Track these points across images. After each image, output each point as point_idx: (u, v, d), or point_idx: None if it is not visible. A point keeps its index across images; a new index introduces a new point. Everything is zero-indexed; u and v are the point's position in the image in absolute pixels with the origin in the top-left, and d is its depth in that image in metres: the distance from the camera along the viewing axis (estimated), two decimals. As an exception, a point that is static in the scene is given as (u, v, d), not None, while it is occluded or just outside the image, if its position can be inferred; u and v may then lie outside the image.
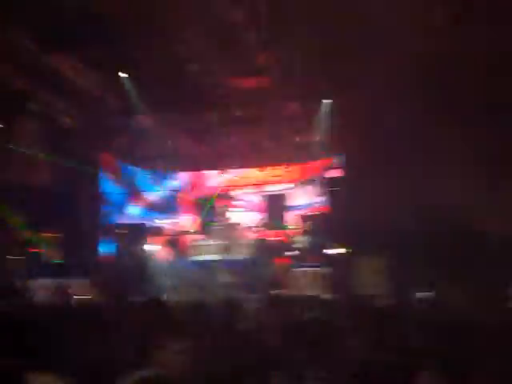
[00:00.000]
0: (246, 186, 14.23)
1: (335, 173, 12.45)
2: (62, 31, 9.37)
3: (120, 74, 11.29)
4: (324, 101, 12.16)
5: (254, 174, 14.17)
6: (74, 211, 12.20)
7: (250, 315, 4.83)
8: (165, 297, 9.58)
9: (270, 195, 13.84)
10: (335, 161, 12.70)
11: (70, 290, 9.46)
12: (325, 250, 10.44)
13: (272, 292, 7.93)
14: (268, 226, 12.81)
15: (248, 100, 12.14)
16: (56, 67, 10.77)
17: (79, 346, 2.67)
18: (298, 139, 13.19)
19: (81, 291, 9.54)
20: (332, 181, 12.12)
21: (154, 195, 14.34)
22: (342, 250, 10.40)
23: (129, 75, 11.44)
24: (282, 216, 13.30)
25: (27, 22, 9.19)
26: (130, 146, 13.66)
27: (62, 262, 11.06)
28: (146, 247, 12.37)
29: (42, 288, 9.82)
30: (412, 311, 5.41)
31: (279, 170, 13.99)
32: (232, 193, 13.83)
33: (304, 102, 12.16)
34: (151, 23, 9.48)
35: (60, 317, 3.81)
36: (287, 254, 10.77)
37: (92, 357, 2.53)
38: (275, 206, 13.47)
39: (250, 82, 11.81)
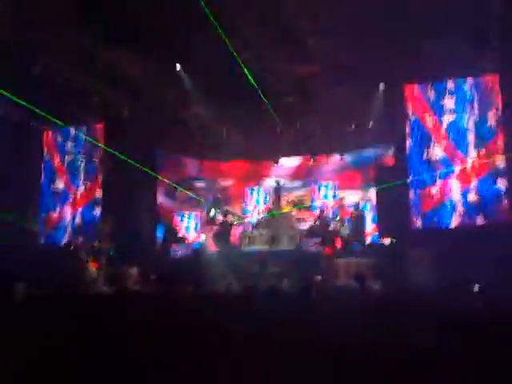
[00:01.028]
0: (296, 175, 14.07)
1: (388, 162, 12.03)
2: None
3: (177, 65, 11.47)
4: (380, 84, 11.73)
5: (304, 163, 13.96)
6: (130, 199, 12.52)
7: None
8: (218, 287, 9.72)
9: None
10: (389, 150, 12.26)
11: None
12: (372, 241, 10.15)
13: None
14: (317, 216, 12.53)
15: (302, 86, 11.93)
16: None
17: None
18: (352, 127, 12.78)
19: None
20: (385, 170, 11.69)
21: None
22: (389, 241, 10.08)
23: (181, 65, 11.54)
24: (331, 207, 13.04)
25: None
26: (186, 138, 13.81)
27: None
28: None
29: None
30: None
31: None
32: (283, 183, 13.66)
33: (358, 87, 11.76)
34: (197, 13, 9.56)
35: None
36: (335, 243, 10.55)
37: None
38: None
39: (301, 69, 11.62)
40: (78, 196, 12.92)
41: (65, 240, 12.52)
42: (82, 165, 13.06)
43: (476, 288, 6.26)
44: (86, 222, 12.70)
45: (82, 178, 12.99)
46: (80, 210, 12.84)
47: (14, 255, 9.38)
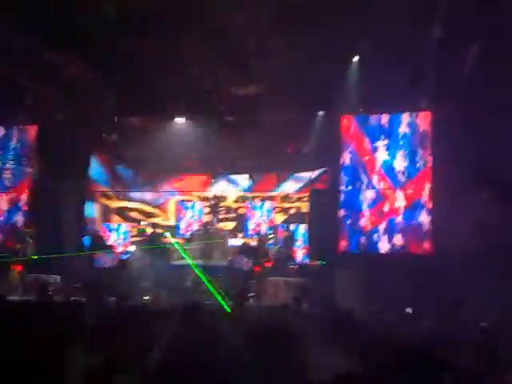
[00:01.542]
0: (233, 193, 14.18)
1: (322, 185, 12.40)
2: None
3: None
4: (319, 112, 12.15)
5: (243, 181, 14.10)
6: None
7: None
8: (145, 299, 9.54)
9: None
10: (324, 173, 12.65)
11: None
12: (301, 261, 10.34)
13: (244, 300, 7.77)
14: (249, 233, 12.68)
15: (242, 107, 12.13)
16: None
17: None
18: (289, 149, 13.11)
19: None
20: (319, 192, 12.02)
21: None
22: (318, 262, 10.35)
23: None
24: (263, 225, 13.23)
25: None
26: (123, 147, 13.60)
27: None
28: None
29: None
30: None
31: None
32: (219, 199, 13.72)
33: (298, 113, 12.12)
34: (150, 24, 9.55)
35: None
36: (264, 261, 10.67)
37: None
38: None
39: (246, 89, 11.84)
40: (3, 199, 12.33)
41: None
42: (10, 167, 12.50)
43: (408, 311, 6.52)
44: (7, 226, 12.10)
45: (9, 181, 12.42)
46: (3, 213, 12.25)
47: None
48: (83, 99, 11.97)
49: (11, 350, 2.10)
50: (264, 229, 13.01)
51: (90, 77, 11.46)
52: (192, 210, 14.18)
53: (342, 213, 10.75)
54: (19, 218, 12.10)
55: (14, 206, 12.23)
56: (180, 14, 9.39)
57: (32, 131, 12.51)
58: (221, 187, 14.18)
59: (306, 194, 12.82)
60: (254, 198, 14.06)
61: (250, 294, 9.16)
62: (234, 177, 14.17)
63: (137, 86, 11.40)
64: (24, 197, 12.22)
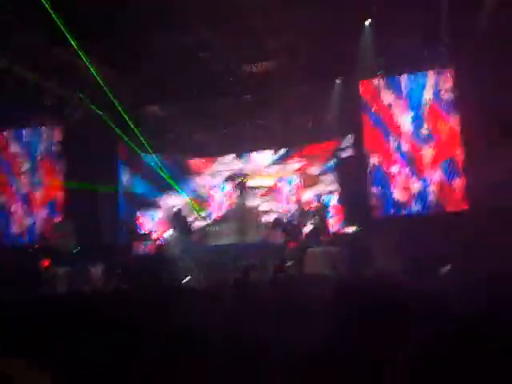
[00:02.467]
0: (259, 170, 14.32)
1: (347, 152, 12.44)
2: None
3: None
4: (337, 80, 12.14)
5: (268, 157, 14.23)
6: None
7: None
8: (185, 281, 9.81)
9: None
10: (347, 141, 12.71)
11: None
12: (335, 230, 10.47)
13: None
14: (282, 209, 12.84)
15: (259, 84, 12.18)
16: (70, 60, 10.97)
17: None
18: (311, 121, 13.16)
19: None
20: (344, 160, 12.09)
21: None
22: (353, 229, 10.47)
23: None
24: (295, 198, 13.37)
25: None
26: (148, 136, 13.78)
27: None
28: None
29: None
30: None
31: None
32: (247, 177, 13.85)
33: (315, 84, 12.13)
34: (159, 11, 9.61)
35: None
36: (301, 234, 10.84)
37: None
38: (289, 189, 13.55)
39: (259, 67, 11.87)
40: (37, 197, 12.70)
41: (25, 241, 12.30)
42: (40, 166, 12.85)
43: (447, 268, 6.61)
44: (45, 222, 12.49)
45: (41, 179, 12.78)
46: (40, 211, 12.63)
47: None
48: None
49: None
50: (295, 202, 13.13)
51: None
52: (222, 190, 14.43)
53: (371, 178, 10.85)
54: (56, 215, 12.48)
55: (49, 203, 12.62)
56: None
57: (57, 131, 12.81)
58: (247, 165, 14.29)
59: (333, 164, 12.90)
60: (281, 172, 14.17)
61: (287, 264, 9.38)
62: (258, 154, 14.27)
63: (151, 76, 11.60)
64: (58, 194, 12.59)
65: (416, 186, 10.57)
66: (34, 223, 12.67)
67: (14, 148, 13.05)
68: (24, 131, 13.02)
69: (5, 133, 13.09)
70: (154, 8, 9.41)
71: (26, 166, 12.95)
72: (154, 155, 13.53)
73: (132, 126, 12.40)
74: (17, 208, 12.77)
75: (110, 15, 9.60)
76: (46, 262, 10.53)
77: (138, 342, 2.25)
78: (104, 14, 9.54)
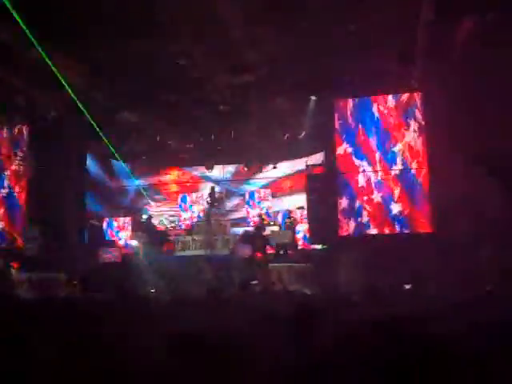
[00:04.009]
0: (230, 183, 14.30)
1: (318, 169, 12.53)
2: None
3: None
4: (312, 97, 12.22)
5: (240, 170, 14.21)
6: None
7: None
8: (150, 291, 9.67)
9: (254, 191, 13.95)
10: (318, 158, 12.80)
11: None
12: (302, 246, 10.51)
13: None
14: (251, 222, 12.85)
15: (235, 96, 12.18)
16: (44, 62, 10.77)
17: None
18: (286, 136, 13.22)
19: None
20: (314, 177, 12.14)
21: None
22: (320, 247, 10.53)
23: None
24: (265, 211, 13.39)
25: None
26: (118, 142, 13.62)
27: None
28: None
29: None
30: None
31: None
32: (218, 189, 13.82)
33: (291, 99, 12.19)
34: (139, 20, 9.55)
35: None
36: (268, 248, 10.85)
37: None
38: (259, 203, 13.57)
39: (237, 78, 11.87)
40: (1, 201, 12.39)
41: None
42: (5, 168, 12.54)
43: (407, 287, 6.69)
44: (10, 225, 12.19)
45: (5, 180, 12.46)
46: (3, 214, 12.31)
47: None
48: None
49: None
50: (264, 216, 13.13)
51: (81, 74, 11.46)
52: (191, 201, 14.31)
53: (339, 196, 10.93)
54: (18, 215, 12.18)
55: (13, 206, 12.31)
56: (168, 9, 9.40)
57: (25, 130, 12.52)
58: (218, 177, 14.26)
59: (303, 180, 12.96)
60: (252, 186, 14.18)
61: (252, 282, 9.34)
62: (230, 166, 14.24)
63: (127, 81, 11.47)
64: (22, 194, 12.29)
65: (383, 206, 10.69)
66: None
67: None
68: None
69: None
70: (135, 14, 9.34)
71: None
72: (123, 162, 13.40)
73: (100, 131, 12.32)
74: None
75: (88, 17, 9.48)
76: (16, 265, 10.32)
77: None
78: (82, 16, 9.43)
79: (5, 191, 12.43)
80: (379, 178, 10.82)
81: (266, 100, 12.05)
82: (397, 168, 10.74)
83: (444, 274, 7.03)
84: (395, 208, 10.55)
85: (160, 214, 14.09)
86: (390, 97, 11.03)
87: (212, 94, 12.16)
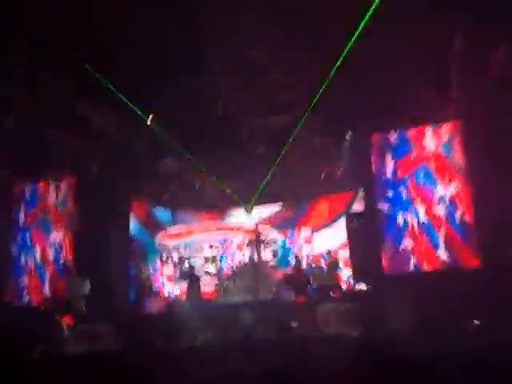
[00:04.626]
0: (270, 223, 14.17)
1: (358, 206, 12.23)
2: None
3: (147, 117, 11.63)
4: (348, 133, 12.08)
5: (278, 210, 14.07)
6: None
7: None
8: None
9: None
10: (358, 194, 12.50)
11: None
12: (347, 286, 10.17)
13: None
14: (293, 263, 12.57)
15: (272, 137, 12.20)
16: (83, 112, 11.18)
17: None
18: (323, 174, 13.05)
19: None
20: (355, 214, 11.86)
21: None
22: (365, 286, 10.13)
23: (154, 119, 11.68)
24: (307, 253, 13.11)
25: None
26: (159, 189, 13.84)
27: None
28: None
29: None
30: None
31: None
32: (260, 232, 13.70)
33: (328, 136, 12.09)
34: (176, 64, 9.81)
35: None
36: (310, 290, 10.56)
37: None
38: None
39: (273, 120, 11.92)
40: (48, 252, 12.66)
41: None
42: (51, 221, 12.87)
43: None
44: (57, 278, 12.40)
45: (52, 234, 12.76)
46: (50, 265, 12.57)
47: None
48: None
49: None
50: (306, 257, 12.89)
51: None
52: (232, 245, 14.26)
53: (382, 233, 10.56)
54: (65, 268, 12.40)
55: (61, 260, 12.56)
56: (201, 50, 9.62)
57: (70, 183, 12.87)
58: (257, 219, 14.19)
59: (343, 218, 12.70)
60: (290, 226, 14.00)
61: (292, 325, 9.10)
62: (269, 207, 14.16)
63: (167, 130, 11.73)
64: (69, 247, 12.52)
65: (429, 243, 10.23)
66: (44, 280, 12.53)
67: (29, 201, 13.12)
68: (37, 184, 13.08)
69: (19, 186, 13.17)
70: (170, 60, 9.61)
71: (38, 219, 12.96)
72: (165, 208, 13.55)
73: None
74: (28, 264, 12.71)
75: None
76: (69, 320, 10.43)
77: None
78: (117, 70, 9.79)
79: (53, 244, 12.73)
80: (422, 211, 10.42)
81: (303, 138, 11.97)
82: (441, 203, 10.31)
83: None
84: (441, 244, 10.08)
85: (202, 259, 14.03)
86: (429, 127, 10.71)
87: (249, 138, 12.23)
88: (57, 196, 12.89)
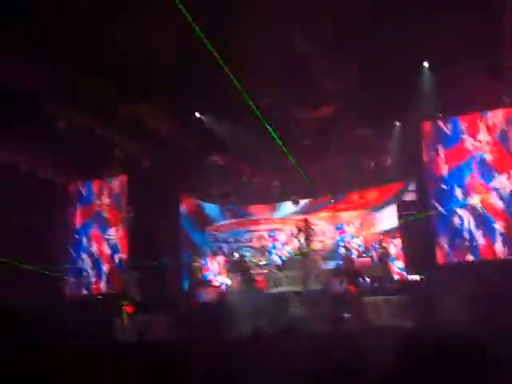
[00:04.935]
0: (318, 215, 14.15)
1: (409, 196, 12.03)
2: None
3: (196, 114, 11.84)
4: (397, 123, 11.91)
5: (327, 202, 14.05)
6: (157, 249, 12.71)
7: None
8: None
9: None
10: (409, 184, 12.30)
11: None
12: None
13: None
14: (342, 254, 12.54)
15: (318, 128, 12.16)
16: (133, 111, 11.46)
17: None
18: (372, 164, 12.93)
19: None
20: (406, 204, 11.67)
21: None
22: (417, 276, 9.98)
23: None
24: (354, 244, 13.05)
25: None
26: (208, 184, 14.09)
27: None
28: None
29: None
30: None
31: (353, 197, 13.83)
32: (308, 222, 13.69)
33: (376, 127, 11.95)
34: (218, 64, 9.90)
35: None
36: (362, 281, 10.50)
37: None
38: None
39: (319, 111, 11.87)
40: (104, 247, 13.13)
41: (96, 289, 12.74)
42: (107, 217, 13.31)
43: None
44: (113, 271, 12.86)
45: (108, 229, 13.22)
46: (107, 260, 13.04)
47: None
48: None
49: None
50: (356, 248, 12.82)
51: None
52: (282, 236, 14.38)
53: (435, 224, 10.37)
54: (122, 263, 12.83)
55: (116, 252, 13.00)
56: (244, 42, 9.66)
57: (122, 181, 13.28)
58: (306, 210, 14.20)
59: (394, 209, 12.53)
60: (342, 217, 13.96)
61: (345, 315, 9.09)
62: (317, 199, 14.15)
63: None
64: (123, 241, 12.95)
65: (484, 231, 9.97)
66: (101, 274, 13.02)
67: (85, 199, 13.60)
68: (92, 182, 13.56)
69: (76, 184, 13.68)
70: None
71: (93, 216, 13.43)
72: (214, 204, 13.76)
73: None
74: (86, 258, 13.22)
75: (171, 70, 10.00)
76: (130, 309, 10.79)
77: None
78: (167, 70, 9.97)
79: (109, 239, 13.19)
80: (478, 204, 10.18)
81: (349, 129, 11.90)
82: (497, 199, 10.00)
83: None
84: (497, 232, 9.80)
85: (252, 250, 14.21)
86: (480, 115, 10.41)
87: (295, 129, 12.23)
88: (110, 193, 13.31)
